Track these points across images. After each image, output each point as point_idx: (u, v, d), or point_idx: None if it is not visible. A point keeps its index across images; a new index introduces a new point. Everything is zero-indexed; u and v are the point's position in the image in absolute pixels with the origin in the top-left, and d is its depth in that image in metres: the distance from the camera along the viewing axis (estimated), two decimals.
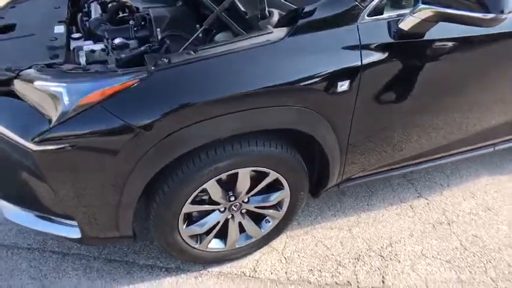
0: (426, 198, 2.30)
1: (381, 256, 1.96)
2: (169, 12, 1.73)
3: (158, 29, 1.61)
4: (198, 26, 1.67)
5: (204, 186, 1.51)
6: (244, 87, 1.31)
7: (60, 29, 1.74)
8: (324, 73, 1.40)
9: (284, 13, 1.46)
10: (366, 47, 1.44)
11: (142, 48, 1.51)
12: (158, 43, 1.55)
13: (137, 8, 1.87)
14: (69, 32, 1.77)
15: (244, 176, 1.57)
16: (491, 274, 1.90)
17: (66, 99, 1.26)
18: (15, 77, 1.40)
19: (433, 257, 1.97)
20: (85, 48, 1.63)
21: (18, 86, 1.39)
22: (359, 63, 1.43)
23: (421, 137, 1.83)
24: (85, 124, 1.25)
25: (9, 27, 1.76)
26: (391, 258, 1.95)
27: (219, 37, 1.66)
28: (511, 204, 2.31)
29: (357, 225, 2.11)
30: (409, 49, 1.51)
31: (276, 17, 1.46)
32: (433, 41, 1.53)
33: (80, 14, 2.05)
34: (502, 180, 2.47)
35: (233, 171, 1.53)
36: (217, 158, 1.44)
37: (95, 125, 1.25)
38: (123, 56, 1.49)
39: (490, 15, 1.29)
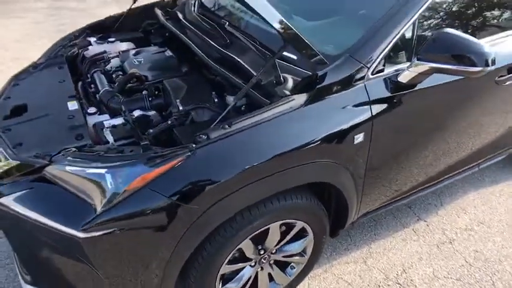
0: (425, 220, 2.48)
1: (399, 284, 2.08)
2: (185, 82, 1.80)
3: (178, 100, 1.69)
4: (213, 93, 1.77)
5: (239, 246, 1.58)
6: (277, 151, 1.42)
7: (73, 105, 1.77)
8: (342, 129, 1.54)
9: (297, 78, 1.59)
10: (374, 101, 1.60)
11: (169, 122, 1.58)
12: (183, 115, 1.63)
13: (146, 77, 1.94)
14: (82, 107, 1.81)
15: (274, 230, 1.66)
16: (498, 286, 2.08)
17: (111, 185, 1.30)
18: (48, 164, 1.43)
19: (444, 277, 2.13)
20: (106, 124, 1.67)
21: (52, 172, 1.41)
22: (370, 117, 1.59)
23: (424, 168, 2.01)
24: (132, 206, 1.29)
25: (21, 108, 1.77)
26: (408, 285, 2.08)
27: (230, 100, 1.77)
28: (499, 215, 2.53)
29: (370, 256, 2.23)
30: (408, 98, 1.69)
31: (290, 83, 1.58)
32: (426, 88, 1.72)
33: (80, 82, 2.09)
34: (486, 193, 2.70)
35: (265, 227, 1.61)
36: (252, 218, 1.52)
37: (142, 206, 1.30)
38: (150, 131, 1.55)
39: (478, 68, 1.49)
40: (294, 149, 1.45)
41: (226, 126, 1.38)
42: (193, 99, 1.71)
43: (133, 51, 2.20)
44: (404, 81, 1.64)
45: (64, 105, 1.77)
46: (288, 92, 1.55)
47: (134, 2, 2.52)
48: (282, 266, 1.88)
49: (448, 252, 2.27)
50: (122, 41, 2.36)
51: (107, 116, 1.76)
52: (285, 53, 1.70)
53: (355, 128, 1.57)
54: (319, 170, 1.57)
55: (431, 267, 2.18)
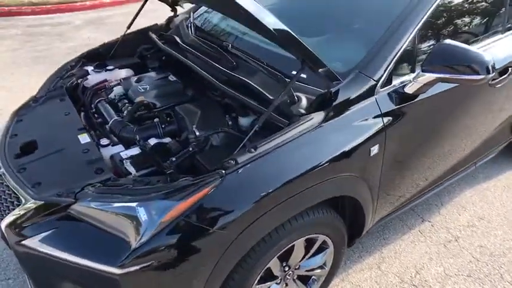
0: (429, 221, 2.56)
1: (414, 286, 2.15)
2: (196, 107, 1.82)
3: (194, 125, 1.70)
4: (227, 116, 1.79)
5: (268, 265, 1.60)
6: (303, 170, 1.46)
7: (84, 138, 1.75)
8: (359, 143, 1.59)
9: (311, 97, 1.64)
10: (385, 114, 1.67)
11: (190, 149, 1.59)
12: (203, 141, 1.64)
13: (154, 104, 1.94)
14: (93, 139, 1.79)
15: (299, 246, 1.69)
16: (507, 278, 2.17)
17: (145, 218, 1.30)
18: (74, 202, 1.41)
19: (455, 274, 2.21)
20: (123, 155, 1.66)
21: (79, 210, 1.40)
22: (383, 128, 1.66)
23: (430, 171, 2.10)
24: (168, 238, 1.30)
25: (31, 145, 1.73)
26: (423, 286, 2.15)
27: (244, 121, 1.80)
28: (496, 209, 2.65)
29: (382, 261, 2.29)
30: (414, 107, 1.76)
31: (305, 101, 1.63)
32: (429, 97, 1.80)
33: (83, 113, 2.06)
34: (481, 189, 2.83)
35: (291, 245, 1.63)
36: (279, 237, 1.54)
37: (178, 236, 1.30)
38: (173, 159, 1.56)
39: (481, 76, 1.58)
40: (318, 166, 1.49)
41: (252, 150, 1.41)
42: (208, 123, 1.73)
43: (134, 78, 2.20)
44: (410, 92, 1.71)
45: (75, 139, 1.75)
46: (303, 111, 1.60)
47: (128, 28, 2.52)
48: (305, 280, 1.90)
49: (455, 250, 2.36)
50: (120, 68, 2.35)
51: (120, 147, 1.75)
52: (294, 72, 1.75)
53: (370, 141, 1.63)
54: (341, 184, 1.61)
55: (441, 266, 2.26)
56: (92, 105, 2.07)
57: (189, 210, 1.31)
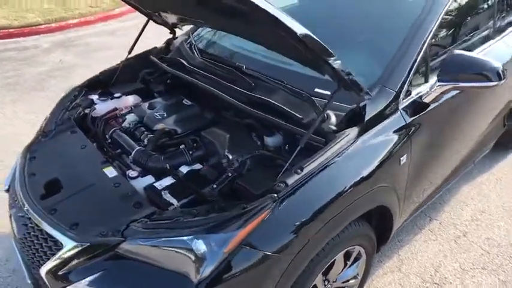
0: (436, 219, 2.68)
1: (436, 283, 2.24)
2: (223, 130, 1.81)
3: (226, 150, 1.70)
4: (254, 134, 1.80)
5: (314, 282, 1.62)
6: (347, 186, 1.50)
7: (111, 171, 1.70)
8: (391, 155, 1.66)
9: (339, 113, 1.68)
10: (409, 124, 1.75)
11: (229, 174, 1.59)
12: (240, 165, 1.64)
13: (175, 131, 1.92)
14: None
15: (339, 260, 1.72)
16: None
17: (204, 251, 1.28)
18: (123, 240, 1.37)
19: (471, 268, 2.32)
20: (158, 186, 1.63)
21: (128, 248, 1.36)
22: (408, 138, 1.73)
23: (444, 172, 2.22)
24: (231, 267, 1.29)
25: (55, 184, 1.67)
26: (444, 283, 2.24)
27: (271, 141, 1.81)
28: (493, 201, 2.82)
29: (402, 263, 2.37)
30: (432, 114, 1.86)
31: (334, 118, 1.67)
32: (442, 103, 1.90)
33: (95, 144, 2.00)
34: (477, 183, 2.99)
35: (332, 260, 1.67)
36: (325, 254, 1.57)
37: (240, 264, 1.30)
38: (214, 186, 1.55)
39: (494, 83, 1.69)
40: (359, 180, 1.54)
41: (299, 171, 1.43)
42: (237, 146, 1.73)
43: (146, 105, 2.17)
44: (428, 101, 1.81)
45: (101, 173, 1.70)
46: (333, 128, 1.64)
47: (129, 53, 2.47)
48: None
49: (466, 244, 2.48)
50: (125, 94, 2.31)
51: (150, 178, 1.72)
52: (317, 90, 1.80)
53: (400, 151, 1.70)
54: (377, 195, 1.67)
55: (457, 262, 2.37)
56: (107, 136, 2.01)
57: (248, 237, 1.31)
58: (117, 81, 2.43)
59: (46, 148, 1.94)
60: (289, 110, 1.73)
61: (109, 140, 2.00)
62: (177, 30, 2.60)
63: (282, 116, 1.72)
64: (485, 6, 2.39)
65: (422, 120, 1.81)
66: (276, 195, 1.37)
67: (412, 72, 1.77)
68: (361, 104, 1.64)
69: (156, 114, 2.02)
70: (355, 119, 1.63)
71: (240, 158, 1.67)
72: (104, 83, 2.41)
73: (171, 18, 2.41)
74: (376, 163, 1.61)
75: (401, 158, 1.71)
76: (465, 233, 2.56)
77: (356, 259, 1.87)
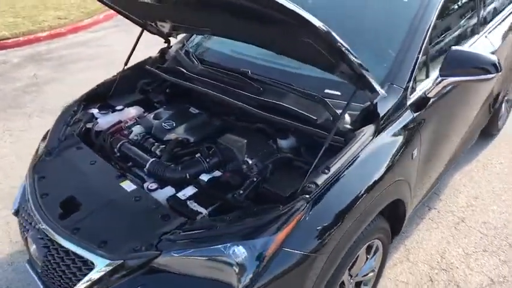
0: (435, 208, 2.79)
1: (444, 269, 2.33)
2: (240, 136, 1.81)
3: (246, 155, 1.71)
4: (269, 138, 1.83)
5: (342, 279, 1.66)
6: (371, 182, 1.56)
7: (129, 185, 1.68)
8: (405, 149, 1.73)
9: (353, 112, 1.73)
10: (417, 118, 1.83)
11: (254, 179, 1.60)
12: (263, 169, 1.66)
13: (187, 140, 1.91)
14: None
15: (362, 255, 1.77)
16: None
17: (245, 257, 1.29)
18: (158, 254, 1.35)
19: (473, 252, 2.44)
20: (181, 196, 1.62)
21: (164, 262, 1.35)
22: (418, 132, 1.81)
23: (443, 162, 2.32)
24: (272, 271, 1.31)
25: (72, 203, 1.62)
26: (450, 268, 2.34)
27: (285, 144, 1.84)
28: (484, 186, 2.96)
29: (409, 252, 2.45)
30: (435, 108, 1.95)
31: (347, 117, 1.72)
32: (443, 96, 2.00)
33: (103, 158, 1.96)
34: (466, 170, 3.14)
35: (356, 255, 1.71)
36: (352, 250, 1.61)
37: (281, 267, 1.32)
38: (241, 192, 1.56)
39: (492, 75, 1.79)
40: (381, 176, 1.60)
41: (326, 171, 1.47)
42: (255, 150, 1.75)
43: (151, 115, 2.15)
44: (431, 96, 1.89)
45: (118, 188, 1.67)
46: (348, 126, 1.69)
47: (126, 65, 2.44)
48: (358, 286, 1.99)
49: (465, 230, 2.60)
50: (127, 106, 2.27)
51: (170, 188, 1.70)
52: (327, 91, 1.84)
53: (412, 145, 1.77)
54: (396, 189, 1.73)
55: (460, 247, 2.48)
56: (115, 150, 1.97)
57: (286, 239, 1.33)
58: (115, 93, 2.39)
59: (53, 167, 1.88)
60: (302, 112, 1.76)
61: (118, 154, 1.97)
62: (171, 39, 2.59)
63: (295, 119, 1.75)
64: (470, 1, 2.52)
65: (427, 115, 1.89)
66: (308, 196, 1.39)
67: (416, 68, 1.84)
68: (375, 102, 1.70)
69: (165, 124, 2.01)
70: (369, 117, 1.68)
71: (260, 162, 1.68)
72: (102, 96, 2.37)
73: (166, 27, 2.39)
74: (393, 158, 1.67)
75: (413, 152, 1.78)
76: (463, 219, 2.68)
77: (374, 253, 1.93)
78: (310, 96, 1.80)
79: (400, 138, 1.73)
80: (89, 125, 2.15)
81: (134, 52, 2.38)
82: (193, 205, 1.56)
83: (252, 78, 2.01)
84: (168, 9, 1.96)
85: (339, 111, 1.73)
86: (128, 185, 1.69)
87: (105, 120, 2.15)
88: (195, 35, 2.63)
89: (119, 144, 1.97)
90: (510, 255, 2.40)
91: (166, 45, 2.58)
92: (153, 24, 2.34)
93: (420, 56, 1.87)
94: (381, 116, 1.67)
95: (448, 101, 2.08)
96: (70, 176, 1.80)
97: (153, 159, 1.82)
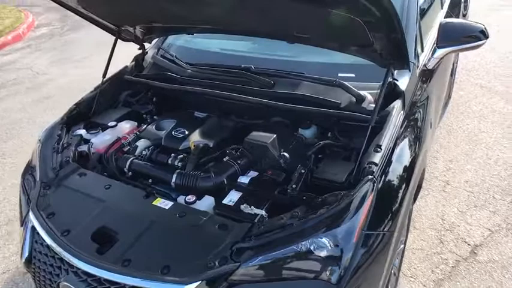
0: None
1: (448, 229, 2.49)
2: (274, 132, 1.72)
3: (282, 150, 1.65)
4: (300, 130, 1.78)
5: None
6: (415, 152, 1.66)
7: (165, 203, 1.52)
8: (426, 118, 1.85)
9: (372, 91, 1.76)
10: (426, 90, 1.95)
11: (302, 171, 1.54)
12: (306, 160, 1.61)
13: (207, 145, 1.78)
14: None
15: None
16: (498, 197, 2.70)
17: (332, 248, 1.25)
18: (238, 265, 1.24)
19: (467, 209, 2.64)
20: (229, 202, 1.51)
21: (247, 271, 1.25)
22: (429, 103, 1.92)
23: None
24: (359, 255, 1.28)
25: (104, 234, 1.43)
26: (453, 227, 2.51)
27: (308, 133, 1.81)
28: (454, 149, 3.22)
29: (413, 221, 2.56)
30: (434, 78, 2.07)
31: (370, 97, 1.74)
32: (436, 66, 2.13)
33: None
34: (435, 138, 3.39)
35: None
36: (407, 223, 1.64)
37: (367, 249, 1.31)
38: (293, 186, 1.49)
39: (483, 41, 1.95)
40: (418, 147, 1.65)
41: (379, 149, 1.47)
42: (285, 144, 1.69)
43: (152, 127, 1.97)
44: (431, 67, 2.00)
45: (153, 207, 1.51)
46: (372, 105, 1.72)
47: (104, 77, 2.21)
48: None
49: (452, 191, 2.81)
50: (116, 121, 2.06)
51: (209, 198, 1.58)
52: (341, 74, 1.85)
53: (428, 114, 1.87)
54: (424, 159, 1.80)
55: (454, 207, 2.67)
56: (125, 169, 1.77)
57: (365, 222, 1.30)
58: (96, 110, 2.15)
59: (60, 200, 1.63)
60: (324, 97, 1.75)
61: (129, 173, 1.77)
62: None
63: (318, 106, 1.74)
64: None
65: (431, 85, 2.00)
66: (371, 176, 1.38)
67: (418, 42, 1.94)
68: (394, 79, 1.74)
69: (176, 133, 1.86)
70: (393, 94, 1.71)
71: (297, 154, 1.63)
72: (84, 115, 2.12)
73: (145, 31, 2.22)
74: (421, 130, 1.73)
75: (427, 119, 1.87)
76: (447, 182, 2.89)
77: None
78: (328, 82, 1.79)
79: (421, 110, 1.81)
80: (82, 148, 1.91)
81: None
82: (248, 209, 1.46)
83: (259, 72, 1.95)
84: (161, 8, 1.81)
85: (361, 92, 1.76)
86: (163, 203, 1.53)
87: (100, 140, 1.93)
88: (168, 37, 2.48)
89: (128, 163, 1.78)
90: (497, 205, 2.64)
91: (140, 52, 2.39)
92: (131, 29, 2.15)
93: (417, 30, 1.97)
94: (404, 89, 1.72)
95: (439, 70, 2.22)
96: (87, 206, 1.57)
97: (178, 171, 1.67)
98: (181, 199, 1.58)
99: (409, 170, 1.53)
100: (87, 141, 1.96)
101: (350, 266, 1.25)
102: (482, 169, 2.99)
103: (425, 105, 1.87)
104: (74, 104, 2.14)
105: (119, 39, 2.20)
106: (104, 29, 2.17)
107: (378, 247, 1.33)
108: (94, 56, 5.79)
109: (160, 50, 2.43)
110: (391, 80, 1.74)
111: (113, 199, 1.58)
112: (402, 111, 1.68)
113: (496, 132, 3.38)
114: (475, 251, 2.35)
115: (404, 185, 1.48)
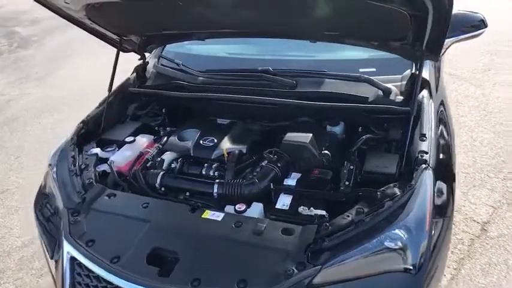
0: None
1: (456, 211, 2.56)
2: (305, 131, 1.70)
3: (323, 148, 1.64)
4: (328, 127, 1.79)
5: None
6: (450, 138, 1.73)
7: (215, 215, 1.46)
8: (445, 103, 1.92)
9: (396, 83, 1.81)
10: (440, 77, 2.01)
11: (351, 167, 1.54)
12: (350, 156, 1.62)
13: (241, 151, 1.73)
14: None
15: None
16: (491, 175, 2.87)
17: (407, 239, 1.25)
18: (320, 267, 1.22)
19: (468, 189, 2.77)
20: (282, 207, 1.49)
21: (327, 273, 1.22)
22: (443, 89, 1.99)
23: None
24: (432, 241, 1.31)
25: (158, 254, 1.34)
26: (459, 208, 2.63)
27: (338, 129, 1.82)
28: None
29: None
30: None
31: (395, 89, 1.78)
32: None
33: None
34: None
35: None
36: None
37: (437, 235, 1.34)
38: (346, 183, 1.49)
39: (483, 30, 2.06)
40: (451, 131, 1.73)
41: (424, 138, 1.51)
42: (321, 142, 1.68)
43: (175, 138, 1.88)
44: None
45: (205, 221, 1.44)
46: (399, 97, 1.76)
47: (110, 91, 2.08)
48: None
49: None
50: (132, 135, 1.95)
51: (257, 204, 1.53)
52: (362, 69, 1.89)
53: (446, 101, 1.95)
54: None
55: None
56: (156, 184, 1.68)
57: (432, 210, 1.33)
58: (105, 126, 2.03)
59: (96, 225, 1.50)
60: (351, 93, 1.77)
61: (162, 189, 1.68)
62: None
63: (347, 102, 1.75)
64: None
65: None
66: (426, 165, 1.41)
67: None
68: (416, 71, 1.78)
69: (205, 142, 1.78)
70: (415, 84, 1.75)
71: (337, 151, 1.64)
72: (93, 132, 1.99)
73: (142, 41, 2.11)
74: (448, 115, 1.81)
75: (448, 107, 1.95)
76: None
77: None
78: (353, 78, 1.81)
79: (442, 95, 1.88)
80: (102, 168, 1.79)
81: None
82: (307, 210, 1.43)
83: (278, 74, 1.93)
84: (185, 13, 1.73)
85: (388, 85, 1.79)
86: (213, 215, 1.46)
87: (121, 157, 1.82)
88: (167, 46, 2.39)
89: (159, 178, 1.68)
90: (493, 183, 2.81)
91: (141, 62, 2.28)
92: (135, 38, 2.05)
93: None
94: (427, 78, 1.78)
95: None
96: (129, 228, 1.46)
97: (218, 180, 1.61)
98: (229, 209, 1.53)
99: (450, 155, 1.59)
100: (104, 160, 1.84)
101: (426, 254, 1.26)
102: (471, 151, 3.17)
103: (442, 92, 1.95)
104: (81, 122, 2.00)
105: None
106: (105, 40, 2.04)
107: (443, 233, 1.35)
108: (54, 73, 5.46)
109: (161, 59, 2.34)
110: (416, 71, 1.79)
111: (157, 218, 1.49)
112: (431, 100, 1.73)
113: (474, 116, 3.60)
114: (485, 228, 2.48)
115: (451, 169, 1.53)
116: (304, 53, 2.06)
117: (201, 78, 2.10)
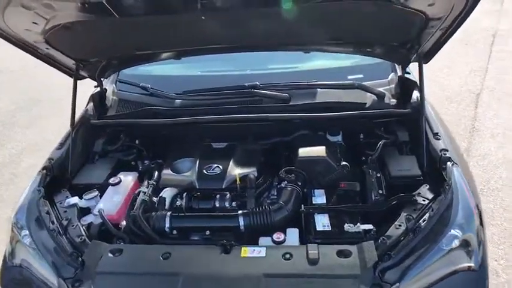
0: None
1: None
2: (309, 145, 1.63)
3: (342, 159, 1.57)
4: (330, 137, 1.75)
5: None
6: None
7: (253, 251, 1.28)
8: None
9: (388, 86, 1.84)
10: None
11: (378, 175, 1.51)
12: (373, 162, 1.57)
13: (254, 175, 1.56)
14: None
15: None
16: None
17: (462, 238, 1.25)
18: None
19: None
20: (323, 227, 1.38)
21: None
22: None
23: None
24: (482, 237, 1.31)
25: None
26: None
27: (335, 138, 1.79)
28: None
29: None
30: None
31: (388, 93, 1.81)
32: None
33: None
34: None
35: None
36: None
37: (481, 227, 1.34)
38: (380, 192, 1.45)
39: None
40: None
41: (438, 137, 1.55)
42: (333, 152, 1.63)
43: (167, 171, 1.65)
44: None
45: (245, 261, 1.27)
46: (393, 100, 1.80)
47: (72, 126, 1.73)
48: None
49: None
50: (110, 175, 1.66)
51: (293, 229, 1.40)
52: (350, 76, 1.89)
53: None
54: None
55: None
56: (166, 228, 1.43)
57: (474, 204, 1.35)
58: (73, 169, 1.69)
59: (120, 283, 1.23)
60: (349, 101, 1.76)
61: (174, 232, 1.44)
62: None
63: (345, 110, 1.73)
64: None
65: None
66: (452, 161, 1.43)
67: None
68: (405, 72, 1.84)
69: (209, 172, 1.58)
70: (408, 86, 1.79)
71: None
72: (60, 178, 1.64)
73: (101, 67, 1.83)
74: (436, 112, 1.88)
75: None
76: None
77: None
78: (347, 86, 1.80)
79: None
80: (88, 220, 1.47)
81: None
82: (354, 227, 1.35)
83: (268, 88, 1.82)
84: (164, 32, 1.52)
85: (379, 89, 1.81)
86: (253, 251, 1.28)
87: (110, 204, 1.52)
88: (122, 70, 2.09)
89: (167, 220, 1.44)
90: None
91: (97, 89, 1.97)
92: (96, 62, 1.76)
93: None
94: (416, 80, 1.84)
95: None
96: (159, 284, 1.22)
97: (241, 211, 1.44)
98: (264, 241, 1.36)
99: (458, 148, 1.65)
100: (86, 210, 1.52)
101: (480, 247, 1.27)
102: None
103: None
104: (43, 168, 1.61)
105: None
106: (57, 67, 1.70)
107: (482, 223, 1.39)
108: None
109: (119, 84, 2.05)
110: (403, 73, 1.84)
111: (188, 268, 1.25)
112: (424, 100, 1.79)
113: None
114: None
115: (464, 162, 1.59)
116: (287, 64, 1.99)
117: (178, 101, 1.88)
